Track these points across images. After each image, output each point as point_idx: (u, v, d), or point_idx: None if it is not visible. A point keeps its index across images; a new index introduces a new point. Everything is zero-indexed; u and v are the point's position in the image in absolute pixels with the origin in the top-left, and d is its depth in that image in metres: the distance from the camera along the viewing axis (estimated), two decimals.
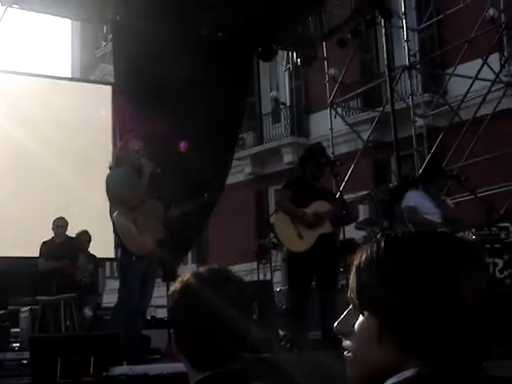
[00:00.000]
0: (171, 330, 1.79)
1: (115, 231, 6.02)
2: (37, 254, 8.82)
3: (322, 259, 6.30)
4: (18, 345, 8.76)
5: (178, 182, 7.11)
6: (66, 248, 8.84)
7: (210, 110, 9.24)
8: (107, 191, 6.00)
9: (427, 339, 1.03)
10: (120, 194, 5.92)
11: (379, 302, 1.08)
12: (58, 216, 8.93)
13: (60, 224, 8.91)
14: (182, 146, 6.42)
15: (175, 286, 1.78)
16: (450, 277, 1.05)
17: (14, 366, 6.54)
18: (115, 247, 7.17)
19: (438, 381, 1.02)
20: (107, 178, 6.04)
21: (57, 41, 66.65)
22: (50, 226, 8.84)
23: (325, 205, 6.48)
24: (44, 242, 8.83)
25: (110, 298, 10.18)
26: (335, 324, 1.16)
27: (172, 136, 8.60)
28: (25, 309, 8.94)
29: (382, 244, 1.11)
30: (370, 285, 1.10)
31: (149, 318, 9.25)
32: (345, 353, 1.14)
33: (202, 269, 1.80)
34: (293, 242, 6.41)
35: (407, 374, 1.04)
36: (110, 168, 6.14)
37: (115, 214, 5.93)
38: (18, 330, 9.24)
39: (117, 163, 6.14)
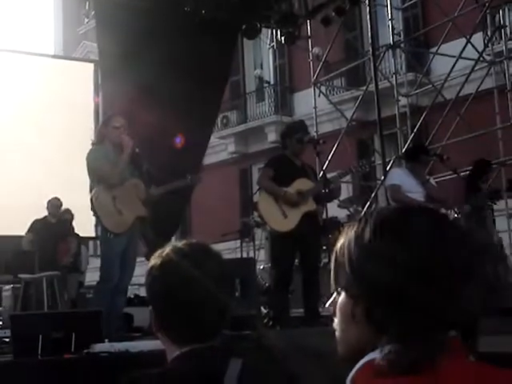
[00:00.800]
0: (150, 307, 1.78)
1: (93, 209, 5.98)
2: (20, 233, 8.80)
3: (305, 237, 6.32)
4: (0, 323, 8.76)
5: (160, 163, 7.05)
6: (61, 229, 8.86)
7: (191, 89, 9.19)
8: (87, 168, 5.95)
9: (397, 317, 1.04)
10: (99, 171, 5.87)
11: (349, 281, 1.10)
12: (54, 196, 8.94)
13: (55, 203, 8.92)
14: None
15: (154, 261, 1.77)
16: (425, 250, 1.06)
17: None
18: (95, 225, 7.14)
19: (405, 358, 1.02)
20: (88, 155, 5.97)
21: (40, 17, 65.95)
22: (40, 204, 8.85)
23: (307, 182, 6.47)
24: (36, 220, 8.82)
25: (93, 276, 10.17)
26: (327, 304, 1.19)
27: (155, 116, 8.55)
28: (7, 287, 8.92)
29: (361, 225, 1.12)
30: (344, 265, 1.12)
31: (132, 296, 9.26)
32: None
33: (181, 243, 1.79)
34: (277, 222, 6.39)
35: (376, 353, 1.05)
36: (92, 144, 6.08)
37: (93, 191, 5.90)
38: (0, 308, 9.23)
39: (98, 140, 6.05)
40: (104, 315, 4.68)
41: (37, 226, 8.81)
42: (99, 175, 5.89)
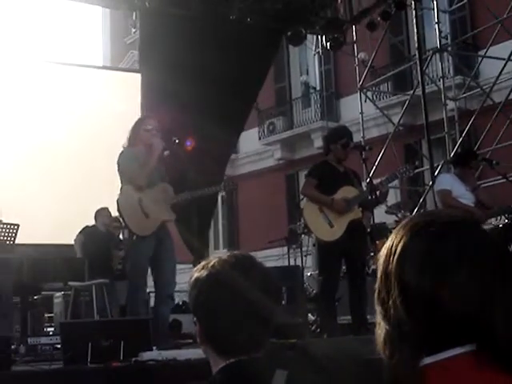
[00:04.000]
0: (194, 318, 1.78)
1: (118, 209, 5.97)
2: (70, 242, 8.93)
3: (352, 245, 6.27)
4: (52, 329, 8.90)
5: (192, 168, 7.02)
6: (110, 238, 9.00)
7: (227, 97, 9.26)
8: (118, 169, 5.96)
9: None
10: (128, 173, 5.87)
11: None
12: (102, 206, 9.07)
13: (103, 214, 9.05)
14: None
15: (199, 273, 1.77)
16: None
17: (48, 350, 6.62)
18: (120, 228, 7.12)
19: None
20: (119, 156, 5.98)
21: (88, 29, 67.06)
22: (89, 214, 9.00)
23: (352, 190, 6.41)
24: (87, 226, 8.97)
25: None
26: None
27: (192, 123, 8.62)
28: (58, 294, 9.07)
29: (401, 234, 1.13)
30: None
31: (180, 303, 9.31)
32: None
33: (225, 255, 1.79)
34: (324, 231, 6.34)
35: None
36: (124, 147, 6.08)
37: (119, 193, 5.91)
38: (52, 314, 9.40)
39: (129, 142, 6.07)
40: (151, 323, 4.71)
41: (87, 232, 8.94)
42: (128, 176, 5.90)
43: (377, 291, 1.18)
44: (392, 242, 1.17)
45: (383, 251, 1.18)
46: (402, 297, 1.12)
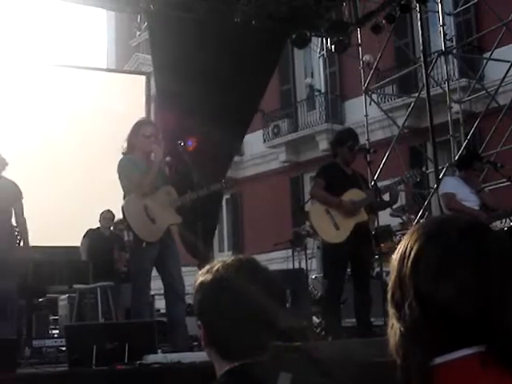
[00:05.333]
0: (198, 322, 1.79)
1: (124, 218, 5.95)
2: (74, 244, 8.95)
3: (357, 248, 6.27)
4: (57, 332, 8.92)
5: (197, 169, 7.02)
6: (114, 240, 9.01)
7: (231, 99, 9.28)
8: (118, 178, 5.91)
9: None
10: (130, 182, 5.84)
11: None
12: (106, 209, 9.07)
13: (107, 216, 9.06)
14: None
15: (203, 277, 1.77)
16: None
17: (53, 352, 6.63)
18: (124, 229, 7.11)
19: None
20: (118, 165, 5.93)
21: (93, 32, 67.16)
22: (93, 216, 9.01)
23: (359, 193, 6.42)
24: (91, 229, 8.97)
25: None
26: None
27: (201, 125, 8.64)
28: (63, 297, 9.08)
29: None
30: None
31: None
32: None
33: (229, 259, 1.79)
34: (329, 233, 6.36)
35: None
36: (123, 154, 6.01)
37: (124, 201, 5.88)
38: (57, 317, 9.41)
39: (128, 149, 6.00)
40: (155, 326, 4.71)
41: (91, 236, 8.96)
42: (130, 185, 5.87)
43: (390, 294, 1.20)
44: (406, 246, 1.19)
45: (397, 254, 1.20)
46: (416, 299, 1.14)
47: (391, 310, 1.20)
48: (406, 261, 1.17)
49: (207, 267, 1.78)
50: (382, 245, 8.32)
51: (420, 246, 1.16)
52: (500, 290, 1.11)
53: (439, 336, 1.13)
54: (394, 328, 1.19)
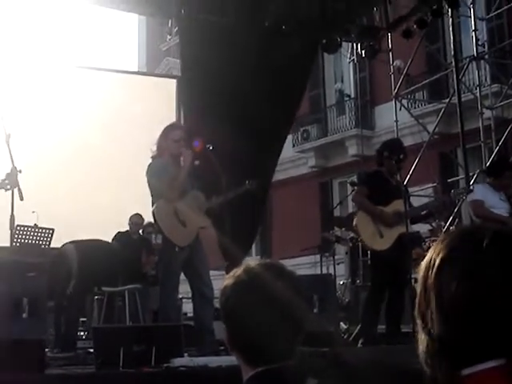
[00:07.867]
0: (224, 326, 1.78)
1: (156, 223, 5.96)
2: None
3: (399, 258, 6.32)
4: (86, 333, 8.97)
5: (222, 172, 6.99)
6: (143, 243, 9.06)
7: (266, 99, 9.24)
8: (148, 182, 5.93)
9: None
10: (160, 187, 5.85)
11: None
12: (135, 212, 9.11)
13: (135, 221, 9.11)
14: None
15: (228, 281, 1.77)
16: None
17: (81, 354, 6.67)
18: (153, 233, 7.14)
19: None
20: (147, 169, 5.95)
21: (124, 36, 67.75)
22: (122, 219, 9.06)
23: (403, 204, 6.42)
24: (120, 232, 9.02)
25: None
26: None
27: (230, 130, 8.62)
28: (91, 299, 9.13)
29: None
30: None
31: None
32: None
33: (255, 263, 1.79)
34: (373, 240, 6.42)
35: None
36: (152, 158, 6.05)
37: (154, 205, 5.88)
38: (85, 319, 9.46)
39: (158, 153, 6.02)
40: (183, 329, 4.72)
41: (120, 238, 9.00)
42: (159, 190, 5.88)
43: (417, 304, 1.21)
44: (431, 257, 1.19)
45: (422, 265, 1.21)
46: (440, 310, 1.14)
47: (418, 321, 1.20)
48: (429, 272, 1.17)
49: (234, 271, 1.78)
50: (412, 252, 8.27)
51: (443, 257, 1.16)
52: None
53: (464, 347, 1.12)
54: (422, 339, 1.19)
